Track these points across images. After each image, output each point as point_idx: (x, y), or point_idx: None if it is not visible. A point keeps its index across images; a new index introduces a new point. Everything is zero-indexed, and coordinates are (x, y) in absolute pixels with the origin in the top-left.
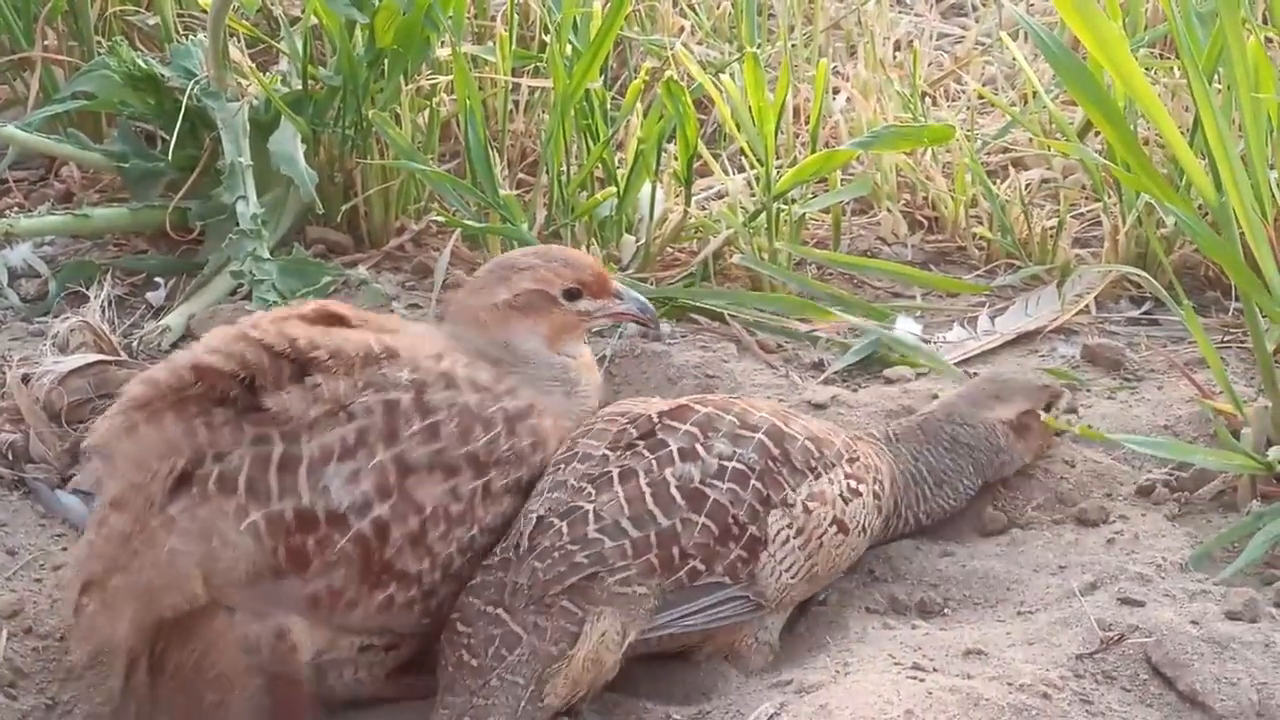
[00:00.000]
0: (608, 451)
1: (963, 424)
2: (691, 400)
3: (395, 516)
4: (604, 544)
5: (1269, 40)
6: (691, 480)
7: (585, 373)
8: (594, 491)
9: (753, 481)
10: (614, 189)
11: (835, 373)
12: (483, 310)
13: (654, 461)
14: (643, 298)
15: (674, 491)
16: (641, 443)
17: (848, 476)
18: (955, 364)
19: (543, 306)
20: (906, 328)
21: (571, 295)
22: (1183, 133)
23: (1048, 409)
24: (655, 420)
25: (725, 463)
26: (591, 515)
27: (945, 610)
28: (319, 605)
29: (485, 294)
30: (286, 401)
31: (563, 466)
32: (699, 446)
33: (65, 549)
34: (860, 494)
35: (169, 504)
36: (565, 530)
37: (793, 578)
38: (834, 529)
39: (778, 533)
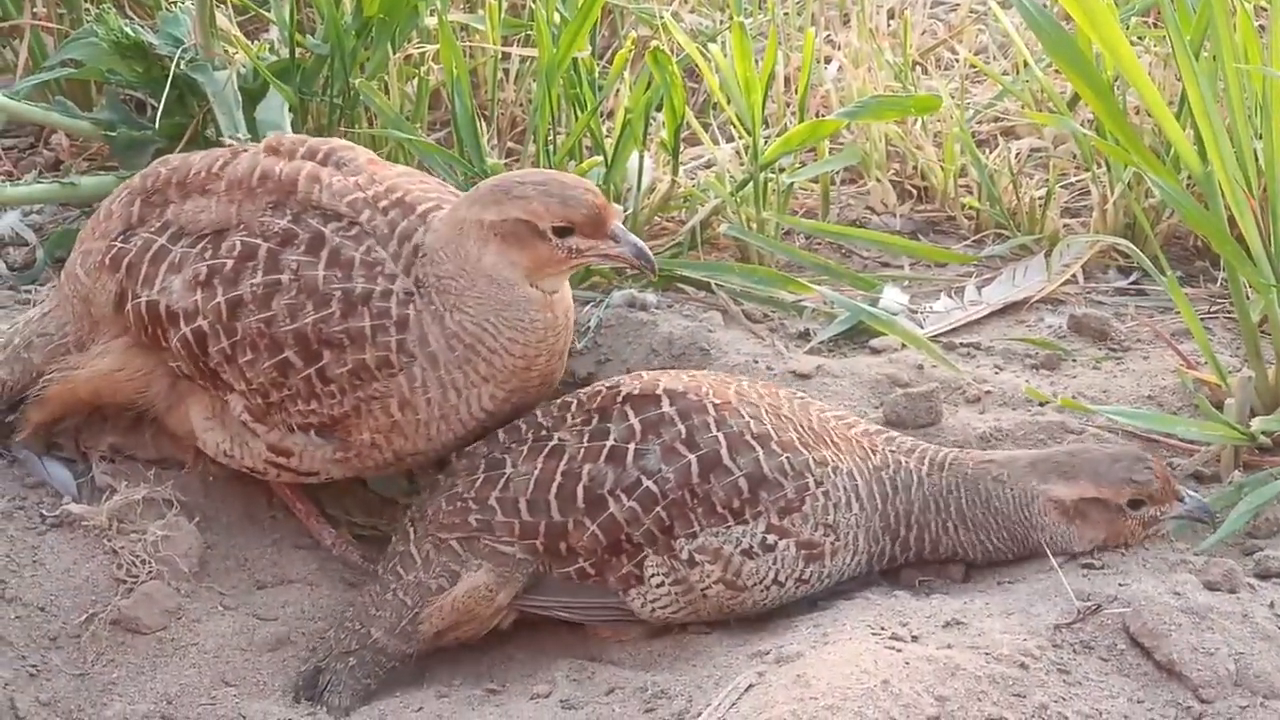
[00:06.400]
0: (570, 410)
1: (1002, 483)
2: (670, 390)
3: (212, 334)
4: (496, 514)
5: (1262, 9)
6: (601, 484)
7: (548, 311)
8: (527, 452)
9: (658, 508)
10: (601, 158)
11: (821, 342)
12: (469, 223)
13: (583, 450)
14: (640, 243)
15: (580, 489)
16: (595, 419)
17: (768, 530)
18: (942, 334)
19: (528, 238)
20: (894, 297)
21: (562, 233)
22: (1173, 102)
23: (1136, 505)
24: (618, 399)
25: (644, 479)
26: (503, 480)
27: (926, 581)
28: None
29: (477, 209)
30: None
31: (546, 405)
32: (630, 451)
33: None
34: (774, 549)
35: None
36: (480, 483)
37: (673, 614)
38: (720, 586)
39: (651, 575)
